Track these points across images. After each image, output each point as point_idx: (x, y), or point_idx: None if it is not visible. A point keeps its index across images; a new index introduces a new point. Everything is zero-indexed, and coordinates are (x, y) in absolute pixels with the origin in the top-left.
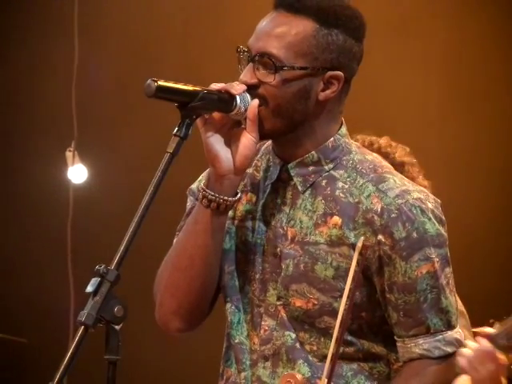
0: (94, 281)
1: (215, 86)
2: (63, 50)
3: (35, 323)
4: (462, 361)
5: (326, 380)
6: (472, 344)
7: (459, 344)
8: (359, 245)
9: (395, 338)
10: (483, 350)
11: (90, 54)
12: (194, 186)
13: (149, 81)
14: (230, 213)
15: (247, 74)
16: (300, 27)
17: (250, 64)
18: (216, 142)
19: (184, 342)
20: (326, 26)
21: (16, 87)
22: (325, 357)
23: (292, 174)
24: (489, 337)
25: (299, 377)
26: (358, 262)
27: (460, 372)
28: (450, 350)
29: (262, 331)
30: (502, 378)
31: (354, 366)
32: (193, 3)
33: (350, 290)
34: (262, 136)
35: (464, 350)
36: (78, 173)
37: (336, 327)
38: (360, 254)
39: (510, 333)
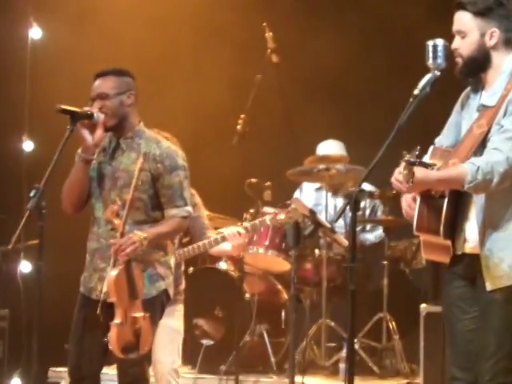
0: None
1: (86, 108)
2: None
3: None
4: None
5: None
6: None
7: (190, 213)
8: (141, 160)
9: (164, 208)
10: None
11: None
12: (78, 151)
13: (57, 105)
14: (94, 162)
15: (96, 104)
16: (111, 79)
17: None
18: (86, 133)
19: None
20: (122, 76)
21: None
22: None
23: (121, 143)
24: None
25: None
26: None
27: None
28: (186, 214)
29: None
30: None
31: (141, 217)
32: None
33: (137, 180)
34: (106, 130)
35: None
36: None
37: (126, 206)
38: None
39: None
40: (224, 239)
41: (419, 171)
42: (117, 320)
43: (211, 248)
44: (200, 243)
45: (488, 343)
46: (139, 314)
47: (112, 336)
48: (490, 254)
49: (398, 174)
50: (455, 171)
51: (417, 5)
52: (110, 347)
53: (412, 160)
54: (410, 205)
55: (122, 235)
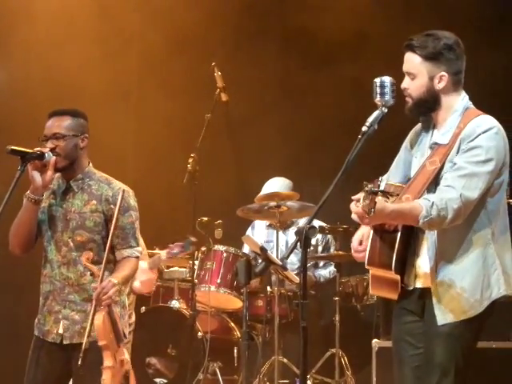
0: None
1: (37, 148)
2: None
3: None
4: None
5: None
6: None
7: (141, 253)
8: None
9: (117, 248)
10: None
11: None
12: (27, 193)
13: (7, 146)
14: (44, 204)
15: (49, 144)
16: (67, 120)
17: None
18: (35, 174)
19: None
20: (78, 118)
21: None
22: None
23: (72, 184)
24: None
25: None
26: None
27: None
28: (139, 254)
29: (62, 252)
30: None
31: (94, 258)
32: None
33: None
34: (56, 171)
35: None
36: None
37: (106, 250)
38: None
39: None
40: None
41: (379, 202)
42: (109, 363)
43: None
44: None
45: (431, 376)
46: (125, 357)
47: (106, 380)
48: (452, 283)
49: (356, 207)
50: (410, 206)
51: (365, 52)
52: None
53: (374, 189)
54: (361, 243)
55: (102, 280)
